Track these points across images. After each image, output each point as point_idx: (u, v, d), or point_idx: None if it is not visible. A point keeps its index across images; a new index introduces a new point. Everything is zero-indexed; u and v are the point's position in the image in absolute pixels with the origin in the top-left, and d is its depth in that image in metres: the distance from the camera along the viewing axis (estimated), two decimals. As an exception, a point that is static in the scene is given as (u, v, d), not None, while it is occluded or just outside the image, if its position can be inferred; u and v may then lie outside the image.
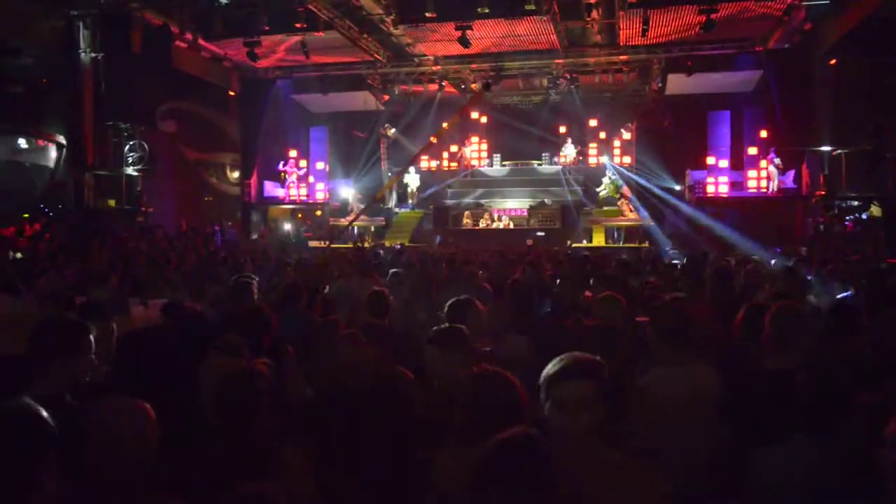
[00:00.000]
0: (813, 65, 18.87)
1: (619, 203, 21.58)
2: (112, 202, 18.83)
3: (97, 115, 18.34)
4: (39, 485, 1.89)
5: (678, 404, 3.28)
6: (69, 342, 2.95)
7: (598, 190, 22.30)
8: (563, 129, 24.98)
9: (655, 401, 3.22)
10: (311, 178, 25.61)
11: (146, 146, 19.26)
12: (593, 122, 24.75)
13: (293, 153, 25.25)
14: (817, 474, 2.44)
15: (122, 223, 18.23)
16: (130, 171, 19.14)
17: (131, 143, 19.07)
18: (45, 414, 1.99)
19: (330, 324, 4.38)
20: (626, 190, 21.67)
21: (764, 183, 21.53)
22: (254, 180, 24.93)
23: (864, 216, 18.70)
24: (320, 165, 25.78)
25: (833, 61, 18.02)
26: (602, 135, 24.77)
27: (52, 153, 18.41)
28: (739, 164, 22.36)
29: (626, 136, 24.28)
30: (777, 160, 20.93)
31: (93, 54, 18.05)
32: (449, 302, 4.38)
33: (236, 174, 25.23)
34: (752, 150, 21.80)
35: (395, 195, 25.02)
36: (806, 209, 20.30)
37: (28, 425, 1.95)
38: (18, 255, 12.39)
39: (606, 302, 4.67)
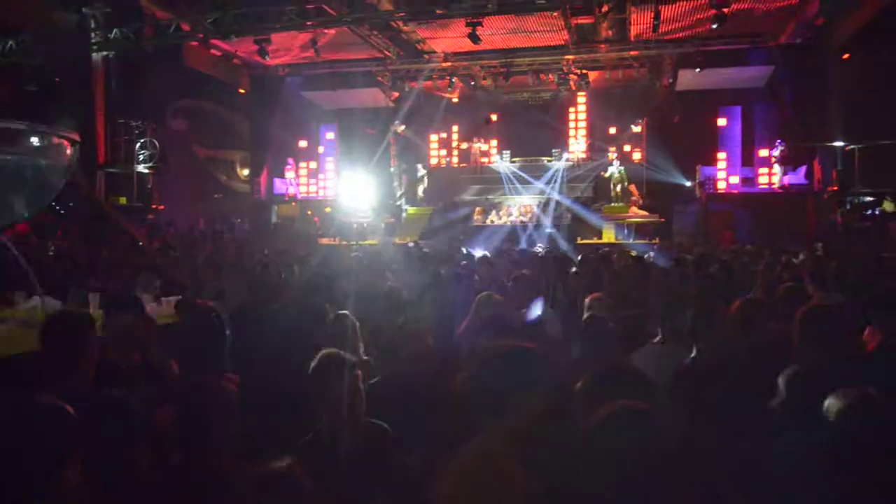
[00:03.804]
0: (826, 60, 18.72)
1: (629, 198, 21.59)
2: (123, 199, 18.91)
3: (108, 112, 18.42)
4: (64, 478, 1.91)
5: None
6: (77, 335, 2.97)
7: (605, 175, 22.34)
8: (572, 125, 24.91)
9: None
10: (321, 176, 25.77)
11: (157, 144, 19.33)
12: (603, 118, 24.66)
13: (302, 162, 25.44)
14: (807, 467, 2.64)
15: (133, 221, 18.31)
16: (141, 168, 19.21)
17: (142, 140, 19.15)
18: (67, 407, 2.02)
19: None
20: (633, 187, 21.75)
21: (775, 179, 21.46)
22: (264, 177, 25.02)
23: (876, 211, 18.62)
24: (330, 162, 25.89)
25: (846, 56, 17.90)
26: (612, 130, 24.68)
27: (67, 150, 18.47)
28: (750, 159, 22.26)
29: (637, 131, 24.18)
30: (776, 150, 20.92)
31: (104, 52, 18.12)
32: None
33: (246, 171, 25.31)
34: (763, 153, 21.71)
35: (403, 192, 25.05)
36: (818, 205, 20.18)
37: (52, 420, 1.98)
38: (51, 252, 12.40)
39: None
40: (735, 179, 22.23)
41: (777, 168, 21.23)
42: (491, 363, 2.40)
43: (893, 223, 17.09)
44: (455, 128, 26.01)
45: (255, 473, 2.04)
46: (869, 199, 18.95)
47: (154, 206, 19.77)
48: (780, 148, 20.98)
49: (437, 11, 16.80)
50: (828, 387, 2.80)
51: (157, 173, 19.72)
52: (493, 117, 25.02)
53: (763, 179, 21.71)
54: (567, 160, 24.54)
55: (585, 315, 4.78)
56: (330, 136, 26.31)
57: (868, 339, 4.10)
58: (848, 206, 19.19)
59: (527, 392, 2.28)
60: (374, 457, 2.95)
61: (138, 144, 19.10)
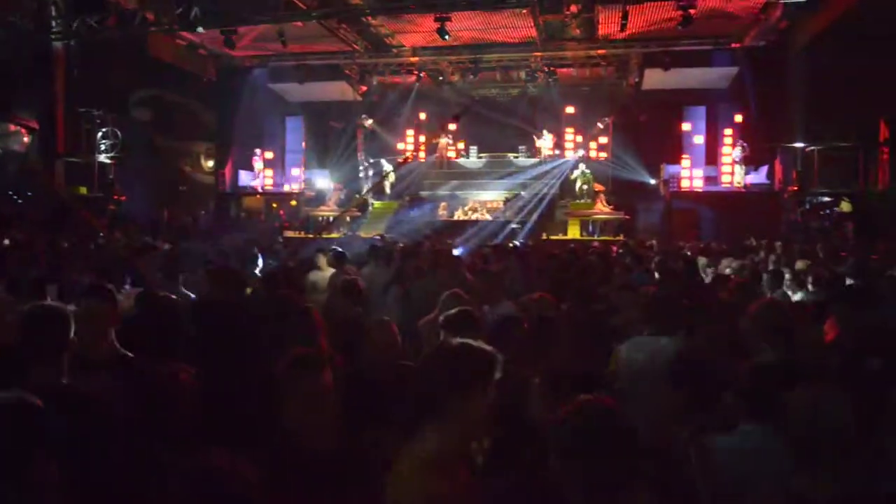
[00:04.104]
0: (788, 62, 19.05)
1: (594, 196, 21.81)
2: (83, 189, 18.59)
3: (69, 101, 18.07)
4: (41, 475, 1.89)
5: (645, 367, 4.03)
6: (59, 329, 2.99)
7: (571, 178, 22.57)
8: (539, 122, 25.03)
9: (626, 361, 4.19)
10: (294, 171, 25.62)
11: (119, 133, 19.02)
12: (570, 116, 24.83)
13: (268, 154, 25.25)
14: (761, 458, 2.79)
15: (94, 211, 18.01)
16: (103, 158, 18.89)
17: (104, 130, 18.83)
18: (40, 404, 2.00)
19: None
20: (598, 186, 22.01)
21: (737, 178, 21.75)
22: (228, 169, 24.74)
23: (830, 211, 19.06)
24: (296, 155, 25.71)
25: (807, 59, 18.22)
26: (578, 133, 24.84)
27: (25, 138, 18.13)
28: (714, 159, 22.57)
29: (603, 129, 24.40)
30: (737, 151, 21.24)
31: (65, 40, 17.76)
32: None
33: (211, 163, 25.00)
34: (727, 152, 22.00)
35: (370, 185, 24.95)
36: (779, 205, 20.54)
37: (25, 417, 1.96)
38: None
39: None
40: (699, 179, 22.52)
41: (739, 168, 21.56)
42: (432, 362, 2.36)
43: (850, 223, 17.49)
44: (422, 116, 25.92)
45: (194, 465, 2.00)
46: (827, 199, 19.37)
47: (116, 197, 19.46)
48: (740, 148, 21.31)
49: (410, 6, 16.77)
50: (782, 379, 2.88)
51: (118, 163, 19.41)
52: (454, 124, 25.00)
53: (726, 178, 22.02)
54: (534, 157, 24.68)
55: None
56: (296, 129, 26.11)
57: (828, 330, 4.35)
58: (807, 206, 19.59)
59: (466, 393, 2.24)
60: (346, 458, 2.88)
61: (100, 134, 18.78)
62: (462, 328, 3.53)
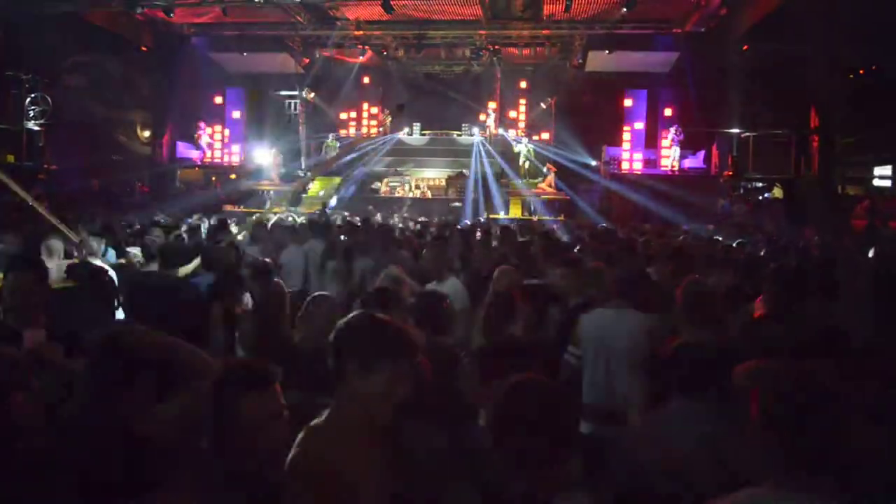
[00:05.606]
0: (726, 49, 19.43)
1: (538, 173, 22.01)
2: (11, 157, 17.87)
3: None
4: None
5: (604, 335, 4.35)
6: None
7: (515, 150, 22.71)
8: (483, 101, 25.06)
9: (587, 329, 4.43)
10: (227, 141, 25.04)
11: (49, 99, 18.30)
12: (513, 95, 24.92)
13: (216, 129, 24.66)
14: (690, 429, 2.90)
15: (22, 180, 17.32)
16: (32, 125, 18.17)
17: (33, 95, 18.08)
18: None
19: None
20: (551, 167, 22.17)
21: (674, 161, 22.15)
22: (166, 140, 24.06)
23: (766, 195, 19.61)
24: (236, 127, 25.17)
25: (745, 47, 18.62)
26: (522, 108, 24.95)
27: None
28: (654, 142, 22.94)
29: (545, 110, 24.56)
30: (670, 135, 21.61)
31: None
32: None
33: (147, 133, 24.27)
34: (665, 136, 22.38)
35: (312, 160, 24.67)
36: (714, 189, 21.03)
37: None
38: None
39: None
40: (639, 161, 22.88)
41: (671, 151, 21.91)
42: (339, 332, 2.32)
43: (780, 208, 18.07)
44: (367, 91, 25.71)
45: None
46: (760, 184, 19.94)
47: (46, 166, 18.76)
48: (673, 131, 21.65)
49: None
50: (711, 357, 2.98)
51: (49, 131, 18.70)
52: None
53: (665, 162, 22.42)
54: (477, 135, 24.72)
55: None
56: (237, 100, 25.52)
57: (757, 307, 4.61)
58: (741, 191, 20.12)
59: (368, 366, 2.22)
60: None
61: (28, 99, 18.03)
62: (378, 307, 3.50)
